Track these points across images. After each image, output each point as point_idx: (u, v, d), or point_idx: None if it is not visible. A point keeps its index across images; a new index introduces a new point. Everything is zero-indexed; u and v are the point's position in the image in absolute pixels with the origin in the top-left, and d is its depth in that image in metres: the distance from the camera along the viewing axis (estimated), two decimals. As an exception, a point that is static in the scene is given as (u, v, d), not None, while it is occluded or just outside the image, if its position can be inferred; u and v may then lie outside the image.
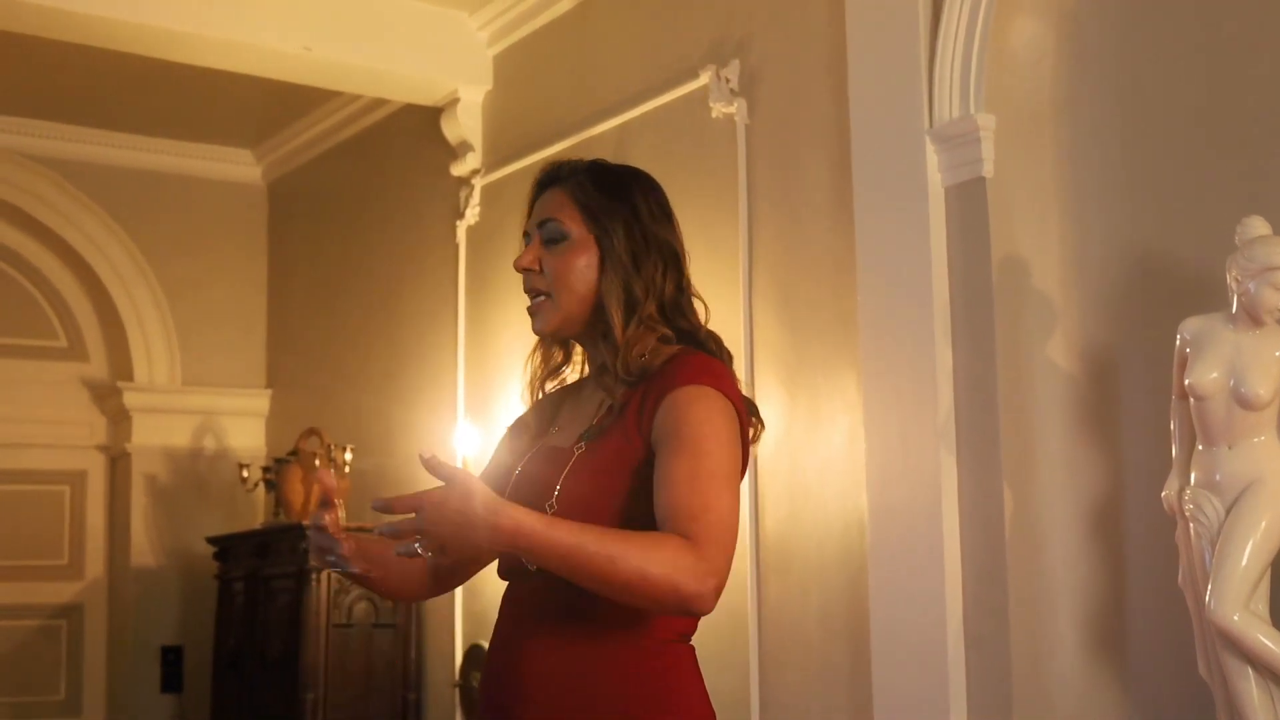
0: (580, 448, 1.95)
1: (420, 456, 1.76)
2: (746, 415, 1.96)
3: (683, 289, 2.04)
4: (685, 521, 1.80)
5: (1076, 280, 3.38)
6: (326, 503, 1.90)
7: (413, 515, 1.73)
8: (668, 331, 2.00)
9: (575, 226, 2.01)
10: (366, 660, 5.60)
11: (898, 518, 3.60)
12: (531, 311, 2.04)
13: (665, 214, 2.06)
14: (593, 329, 2.02)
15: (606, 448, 1.93)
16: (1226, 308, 2.78)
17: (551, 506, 1.90)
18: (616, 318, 1.97)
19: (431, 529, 1.73)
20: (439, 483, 1.74)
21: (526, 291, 2.03)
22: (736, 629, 4.14)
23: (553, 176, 2.07)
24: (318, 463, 5.99)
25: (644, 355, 1.97)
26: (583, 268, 2.00)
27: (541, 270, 2.01)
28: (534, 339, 2.13)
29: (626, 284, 1.99)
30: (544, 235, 2.02)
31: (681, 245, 2.06)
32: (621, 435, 1.92)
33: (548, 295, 2.01)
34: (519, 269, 2.02)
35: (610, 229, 2.00)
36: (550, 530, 1.74)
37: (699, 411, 1.88)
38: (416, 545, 1.75)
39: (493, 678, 1.95)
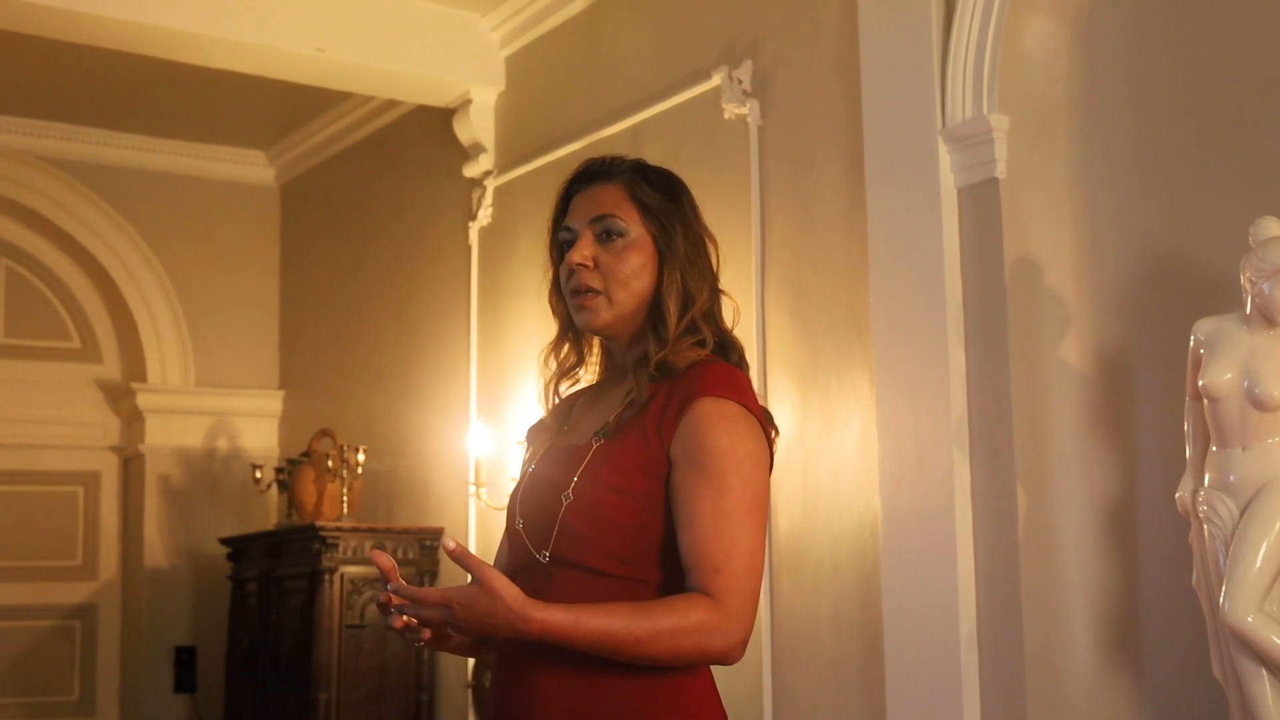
0: (598, 441, 1.95)
1: (445, 548, 1.81)
2: (769, 428, 1.96)
3: (716, 292, 2.04)
4: (709, 574, 1.83)
5: (1090, 281, 3.38)
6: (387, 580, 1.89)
7: (439, 608, 1.79)
8: (709, 334, 2.00)
9: (634, 225, 2.00)
10: (379, 661, 5.60)
11: (911, 518, 3.60)
12: (580, 306, 2.00)
13: (700, 216, 2.07)
14: (639, 326, 2.01)
15: (623, 445, 1.92)
16: (1240, 309, 2.77)
17: (567, 497, 1.91)
18: (673, 317, 1.97)
19: (459, 625, 1.80)
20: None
21: (576, 288, 2.00)
22: (749, 630, 4.13)
23: (598, 172, 2.06)
24: (329, 463, 6.00)
25: (681, 355, 1.97)
26: (640, 266, 1.99)
27: (594, 266, 1.99)
28: (546, 340, 2.13)
29: (684, 284, 1.99)
30: (598, 231, 2.00)
31: (717, 248, 2.07)
32: (640, 435, 1.92)
33: (600, 292, 1.99)
34: (573, 264, 1.99)
35: (670, 229, 2.00)
36: (576, 628, 1.79)
37: (723, 436, 1.88)
38: (421, 639, 1.88)
39: (502, 680, 1.95)
